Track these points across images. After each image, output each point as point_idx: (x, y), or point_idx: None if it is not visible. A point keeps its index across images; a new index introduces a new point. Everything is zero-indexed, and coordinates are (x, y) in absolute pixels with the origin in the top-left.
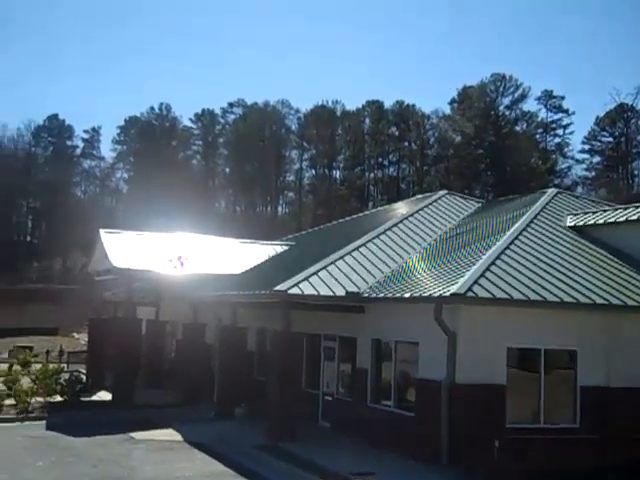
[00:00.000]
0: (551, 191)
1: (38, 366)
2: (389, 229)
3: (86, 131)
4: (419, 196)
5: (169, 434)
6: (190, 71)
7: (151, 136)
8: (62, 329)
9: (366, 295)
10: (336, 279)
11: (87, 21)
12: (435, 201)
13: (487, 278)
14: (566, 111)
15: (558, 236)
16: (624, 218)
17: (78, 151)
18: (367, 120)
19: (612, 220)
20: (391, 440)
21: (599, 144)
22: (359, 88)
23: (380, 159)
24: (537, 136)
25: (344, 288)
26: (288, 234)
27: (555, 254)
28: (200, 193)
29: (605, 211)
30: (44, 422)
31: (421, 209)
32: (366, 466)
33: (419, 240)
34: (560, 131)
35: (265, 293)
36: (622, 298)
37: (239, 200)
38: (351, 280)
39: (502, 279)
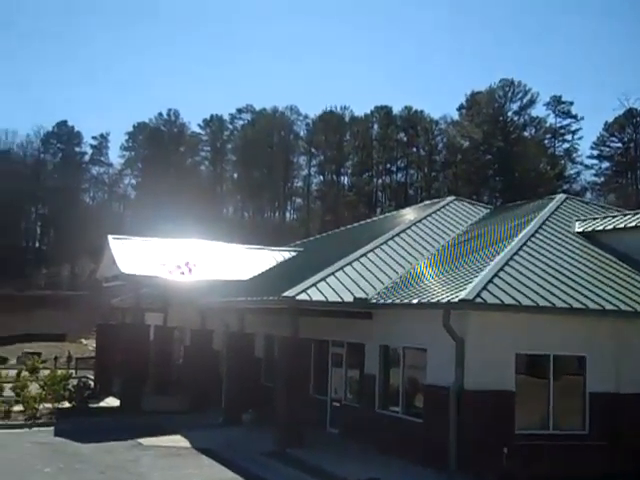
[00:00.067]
0: (560, 197)
1: (46, 372)
2: (397, 235)
3: (95, 137)
4: (427, 202)
5: (177, 440)
6: (198, 77)
7: (159, 142)
8: (70, 335)
9: (374, 301)
10: (344, 285)
11: (95, 28)
12: (443, 207)
13: (495, 284)
14: (575, 116)
15: (567, 242)
16: (633, 224)
17: (87, 157)
18: (375, 126)
19: (621, 226)
20: (399, 446)
21: (608, 149)
22: (367, 94)
23: (388, 165)
24: (546, 141)
25: (352, 294)
26: (296, 240)
27: (564, 260)
28: (208, 199)
29: (614, 217)
30: (52, 428)
31: (429, 215)
32: (374, 472)
33: (427, 246)
34: (569, 136)
35: (273, 299)
36: (631, 304)
37: (247, 206)
38: (359, 286)
39: (511, 285)
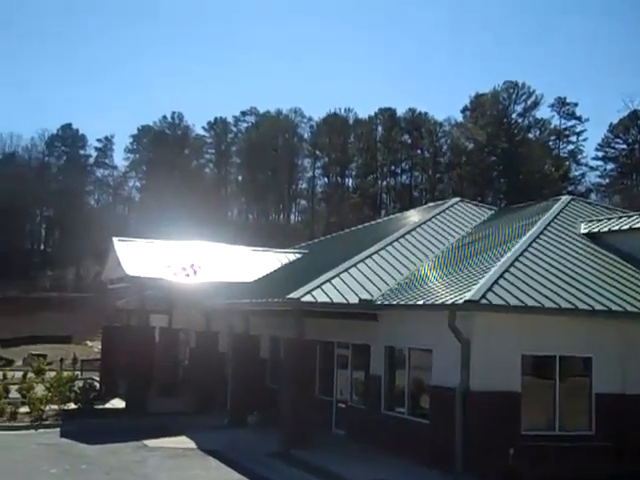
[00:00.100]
0: (565, 198)
1: (52, 374)
2: (402, 237)
3: (99, 140)
4: (432, 204)
5: (183, 442)
6: (202, 80)
7: (164, 145)
8: (76, 337)
9: (379, 303)
10: (349, 287)
11: (99, 30)
12: (448, 209)
13: (501, 285)
14: (579, 118)
15: (572, 243)
16: (638, 225)
17: (91, 160)
18: (379, 128)
19: (626, 227)
20: (405, 447)
21: (613, 151)
22: (371, 96)
23: (393, 167)
24: (550, 143)
25: (357, 296)
26: (301, 242)
27: (569, 261)
28: (213, 201)
29: (619, 218)
30: (58, 430)
31: (434, 217)
32: (380, 473)
33: (432, 248)
34: (573, 138)
35: (278, 301)
36: (637, 305)
37: (252, 208)
38: (364, 288)
39: (516, 286)
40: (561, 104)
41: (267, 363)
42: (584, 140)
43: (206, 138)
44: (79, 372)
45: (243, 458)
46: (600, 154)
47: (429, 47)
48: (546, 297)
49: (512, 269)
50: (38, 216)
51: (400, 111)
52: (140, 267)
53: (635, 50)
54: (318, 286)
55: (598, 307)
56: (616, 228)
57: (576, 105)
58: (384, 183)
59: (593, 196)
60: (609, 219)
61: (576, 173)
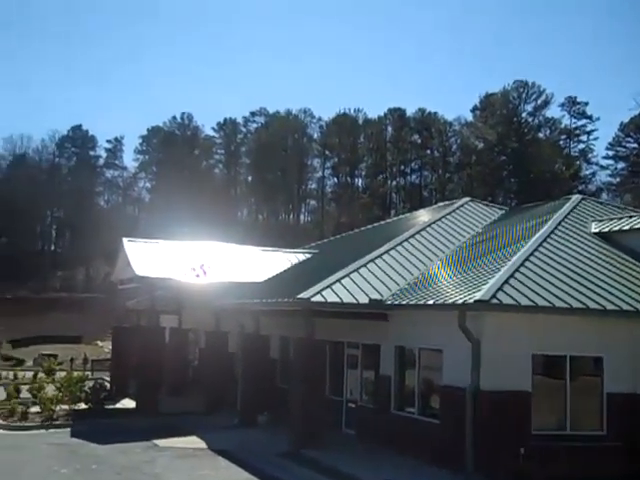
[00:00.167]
0: (575, 197)
1: (62, 374)
2: (412, 237)
3: (109, 141)
4: (442, 203)
5: (193, 441)
6: (212, 81)
7: (173, 145)
8: (86, 337)
9: (389, 302)
10: (359, 287)
11: (107, 32)
12: (458, 208)
13: (511, 285)
14: (590, 117)
15: (583, 242)
16: None
17: (101, 161)
18: (389, 128)
19: (638, 226)
20: (415, 447)
21: (624, 150)
22: (381, 96)
23: (402, 167)
24: (561, 142)
25: (367, 296)
26: (310, 242)
27: (580, 260)
28: (222, 202)
29: (630, 217)
30: (69, 429)
31: (444, 216)
32: (390, 473)
33: (442, 247)
34: (584, 137)
35: (288, 301)
36: None
37: (261, 208)
38: (374, 288)
39: (526, 286)
40: (571, 103)
41: (277, 363)
42: (595, 139)
43: (216, 139)
44: (89, 372)
45: (253, 458)
46: (611, 153)
47: (438, 47)
48: (557, 297)
49: (522, 269)
50: (48, 217)
51: (410, 111)
52: (150, 267)
53: None
54: (328, 286)
55: (609, 307)
56: (627, 227)
57: (586, 104)
58: (394, 183)
59: (604, 195)
60: (620, 218)
61: (587, 172)
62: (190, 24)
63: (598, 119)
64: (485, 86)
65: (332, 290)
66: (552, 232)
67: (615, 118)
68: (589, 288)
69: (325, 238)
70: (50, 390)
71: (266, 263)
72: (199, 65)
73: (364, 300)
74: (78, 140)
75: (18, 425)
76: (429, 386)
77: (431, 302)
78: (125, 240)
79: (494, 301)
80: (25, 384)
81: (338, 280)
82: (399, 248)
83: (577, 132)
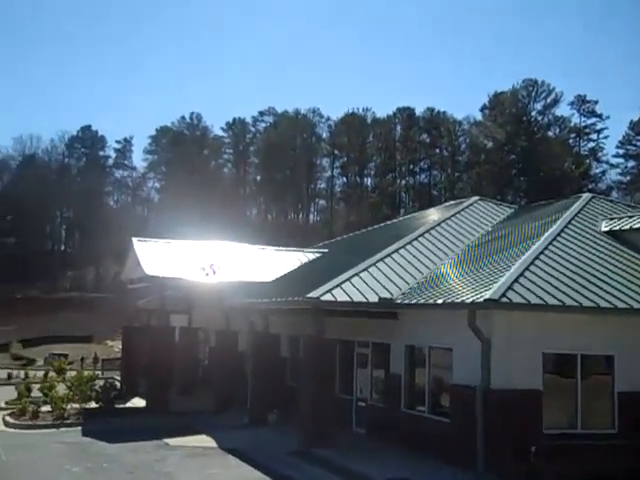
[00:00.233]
0: (585, 196)
1: (73, 373)
2: (421, 235)
3: (118, 141)
4: (451, 202)
5: (203, 440)
6: (220, 80)
7: (182, 145)
8: (96, 337)
9: (399, 301)
10: (369, 286)
11: (116, 32)
12: (467, 207)
13: (521, 284)
14: (600, 115)
15: (593, 241)
16: None
17: (110, 161)
18: (398, 127)
19: None
20: (425, 446)
21: (634, 148)
22: (390, 95)
23: (411, 166)
24: (570, 141)
25: (377, 294)
26: (320, 241)
27: (590, 259)
28: (231, 201)
29: None
30: (80, 428)
31: (453, 215)
32: (400, 472)
33: (452, 246)
34: (594, 136)
35: (298, 300)
36: None
37: (270, 208)
38: (384, 286)
39: (537, 284)
40: (581, 102)
41: (287, 362)
42: (605, 138)
43: (224, 138)
44: (100, 371)
45: (263, 457)
46: (621, 151)
47: (447, 46)
48: (567, 295)
49: (532, 267)
50: (58, 217)
51: (419, 110)
52: (159, 267)
53: None
54: (338, 285)
55: (620, 305)
56: (638, 226)
57: (596, 103)
58: (403, 182)
59: (614, 194)
60: (630, 217)
61: (597, 171)
62: (199, 24)
63: (608, 117)
64: (494, 85)
65: (342, 289)
66: (562, 231)
67: (625, 116)
68: (599, 286)
69: (334, 237)
70: (61, 389)
71: (275, 262)
72: (208, 65)
73: (374, 299)
74: (87, 140)
75: (29, 424)
76: (439, 385)
77: (441, 301)
78: (135, 240)
79: (504, 300)
80: (36, 383)
81: (348, 279)
82: (409, 247)
83: (587, 130)
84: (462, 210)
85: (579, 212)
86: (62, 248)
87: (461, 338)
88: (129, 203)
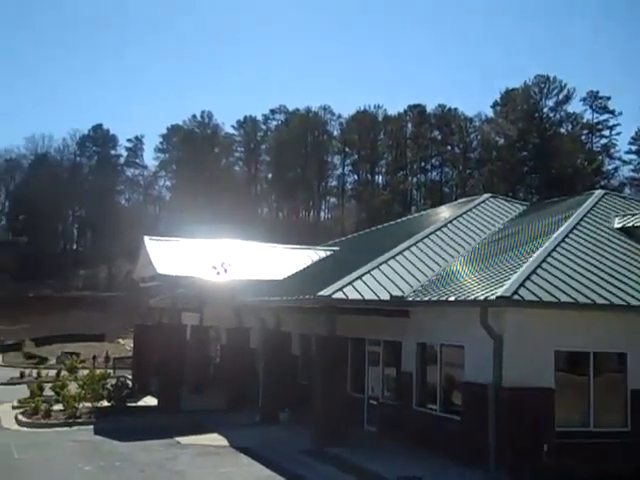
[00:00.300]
0: (598, 192)
1: (85, 372)
2: (433, 233)
3: (129, 140)
4: (463, 200)
5: (215, 439)
6: (231, 79)
7: (193, 144)
8: (108, 335)
9: (411, 299)
10: (380, 283)
11: (128, 34)
12: (479, 204)
13: (533, 281)
14: (612, 112)
15: (606, 238)
16: None
17: (122, 160)
18: (409, 124)
19: None
20: (437, 444)
21: None
22: (401, 92)
23: (423, 163)
24: (582, 137)
25: (388, 292)
26: (331, 239)
27: (603, 256)
28: (243, 199)
29: None
30: (92, 427)
31: (465, 213)
32: (413, 470)
33: (463, 244)
34: (606, 132)
35: (309, 298)
36: None
37: (282, 206)
38: (395, 284)
39: (549, 282)
40: (593, 98)
41: (298, 360)
42: (617, 134)
43: (235, 136)
44: (112, 370)
45: (275, 455)
46: (634, 148)
47: (458, 43)
48: (580, 292)
49: (545, 264)
50: (70, 216)
51: (430, 107)
52: (171, 265)
53: None
54: (349, 283)
55: (633, 302)
56: None
57: (609, 99)
58: (414, 179)
59: (627, 190)
60: None
61: (609, 167)
62: (209, 23)
63: (620, 114)
64: (506, 82)
65: (353, 287)
66: (574, 227)
67: (638, 113)
68: (612, 284)
69: (345, 235)
70: (73, 388)
71: (287, 260)
72: (219, 64)
73: (385, 297)
74: (99, 139)
75: (42, 423)
76: (451, 383)
77: (453, 298)
78: (146, 238)
79: (516, 297)
80: (48, 382)
81: (359, 277)
82: (420, 244)
83: (599, 127)
84: (474, 207)
85: (592, 209)
86: (74, 247)
87: (473, 336)
88: (140, 202)
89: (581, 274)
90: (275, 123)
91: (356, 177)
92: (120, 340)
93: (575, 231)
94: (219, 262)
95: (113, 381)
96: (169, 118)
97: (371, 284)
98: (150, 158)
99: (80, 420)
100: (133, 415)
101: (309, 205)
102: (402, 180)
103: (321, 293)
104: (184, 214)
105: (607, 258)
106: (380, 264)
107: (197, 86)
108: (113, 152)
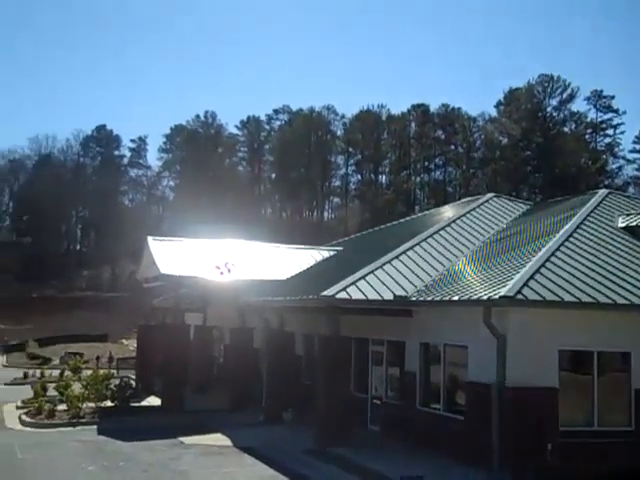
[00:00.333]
0: (602, 192)
1: (88, 372)
2: (436, 232)
3: (133, 140)
4: (466, 199)
5: (218, 439)
6: (235, 79)
7: (197, 144)
8: (111, 335)
9: (414, 299)
10: (384, 283)
11: (132, 34)
12: (482, 204)
13: (537, 280)
14: (616, 111)
15: (610, 237)
16: None
17: (125, 160)
18: (413, 124)
19: None
20: (441, 443)
21: None
22: (404, 92)
23: (426, 163)
24: (586, 136)
25: (392, 292)
26: (334, 239)
27: (607, 255)
28: (246, 199)
29: None
30: (95, 427)
31: (468, 212)
32: (416, 469)
33: (467, 243)
34: (610, 131)
35: (313, 298)
36: None
37: (285, 206)
38: (399, 284)
39: (552, 281)
40: (597, 97)
41: (302, 360)
42: (621, 133)
43: (239, 137)
44: (115, 370)
45: (279, 455)
46: (638, 147)
47: (461, 42)
48: (583, 292)
49: (548, 264)
50: (74, 217)
51: (433, 107)
52: (175, 266)
53: None
54: (353, 283)
55: (637, 301)
56: None
57: (613, 98)
58: (418, 179)
59: (631, 189)
60: None
61: (613, 166)
62: (212, 23)
63: (625, 113)
64: (506, 82)
65: (357, 287)
66: (578, 227)
67: None
68: (616, 283)
69: (349, 235)
70: (76, 388)
71: (290, 260)
72: (220, 63)
73: (389, 297)
74: (102, 140)
75: (45, 423)
76: (454, 382)
77: (456, 298)
78: (150, 239)
79: (519, 297)
80: (52, 382)
81: (363, 277)
82: (424, 244)
83: (603, 126)
84: (477, 207)
85: (595, 208)
86: (78, 247)
87: (476, 335)
88: (144, 202)
89: (585, 273)
90: (278, 123)
91: (359, 177)
92: (123, 340)
93: (579, 230)
94: (222, 262)
95: (117, 381)
96: (172, 118)
97: (374, 284)
98: (153, 158)
99: (84, 420)
100: (137, 415)
101: (312, 205)
102: (405, 180)
103: (324, 293)
104: (188, 214)
105: (611, 257)
106: (383, 264)
107: (199, 86)
108: (117, 152)
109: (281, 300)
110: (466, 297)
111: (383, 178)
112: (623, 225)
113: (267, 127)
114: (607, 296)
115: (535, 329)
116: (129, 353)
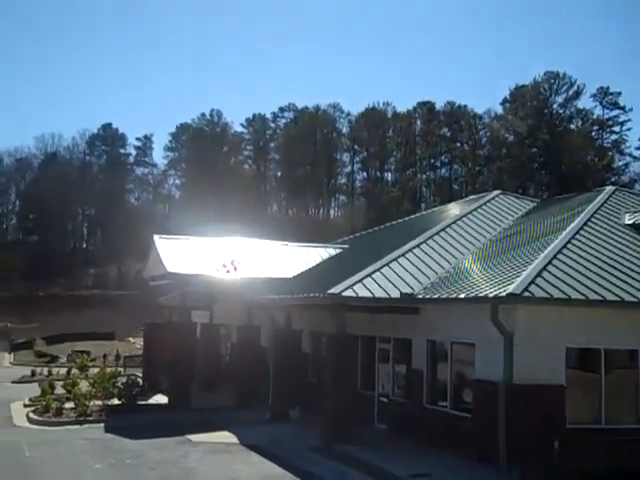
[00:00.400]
0: (608, 189)
1: (95, 370)
2: (443, 230)
3: (139, 139)
4: (472, 197)
5: (225, 436)
6: (240, 77)
7: (203, 142)
8: (118, 334)
9: (421, 296)
10: (390, 281)
11: (136, 32)
12: (489, 201)
13: (544, 278)
14: (623, 108)
15: (616, 234)
16: None
17: (131, 159)
18: (418, 121)
19: None
20: (448, 441)
21: None
22: (410, 89)
23: (432, 160)
24: (593, 133)
25: (398, 290)
26: (340, 237)
27: (614, 252)
28: (252, 198)
29: None
30: (102, 425)
31: (475, 210)
32: (423, 467)
33: (473, 241)
34: (617, 128)
35: (319, 296)
36: None
37: (291, 204)
38: (405, 282)
39: (559, 279)
40: (603, 94)
41: (308, 357)
42: (628, 130)
43: (244, 135)
44: (122, 368)
45: (285, 453)
46: None
47: (466, 40)
48: (590, 289)
49: (555, 261)
50: (80, 215)
51: (439, 104)
52: (181, 264)
53: None
54: (359, 280)
55: None
56: None
57: (619, 94)
58: (424, 176)
59: (637, 186)
60: None
61: (620, 163)
62: (217, 20)
63: (631, 109)
64: (515, 78)
65: (363, 284)
66: (585, 224)
67: None
68: (623, 280)
69: (355, 233)
70: (84, 386)
71: (296, 258)
72: (228, 61)
73: (395, 294)
74: (108, 138)
75: (53, 421)
76: (461, 380)
77: (463, 296)
78: (156, 237)
79: (526, 294)
80: (59, 380)
81: (369, 274)
82: (430, 242)
83: (609, 123)
84: (483, 204)
85: (602, 205)
86: (84, 246)
87: (483, 333)
88: (150, 200)
89: (592, 271)
90: (284, 121)
91: (365, 174)
92: (130, 338)
93: (585, 228)
94: (229, 260)
95: (124, 379)
96: (178, 117)
97: (381, 282)
98: (159, 157)
99: (91, 418)
100: (143, 413)
101: (318, 203)
102: (411, 177)
103: (331, 291)
104: (194, 212)
105: (618, 254)
106: (390, 262)
107: (205, 84)
108: (122, 151)
109: (288, 298)
110: (473, 295)
111: (389, 176)
112: (630, 222)
113: (272, 125)
114: (614, 293)
115: (542, 327)
116: (136, 351)
